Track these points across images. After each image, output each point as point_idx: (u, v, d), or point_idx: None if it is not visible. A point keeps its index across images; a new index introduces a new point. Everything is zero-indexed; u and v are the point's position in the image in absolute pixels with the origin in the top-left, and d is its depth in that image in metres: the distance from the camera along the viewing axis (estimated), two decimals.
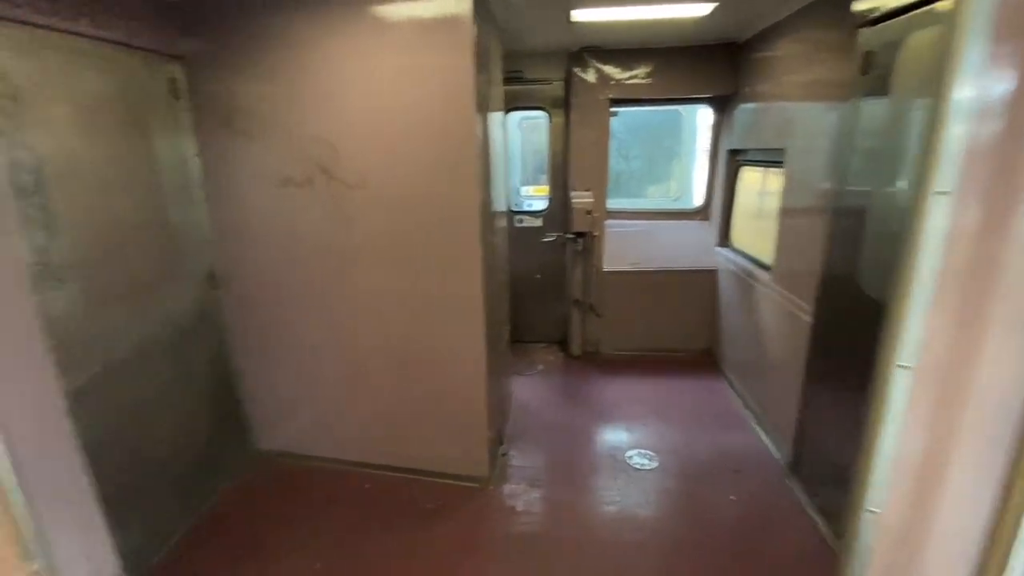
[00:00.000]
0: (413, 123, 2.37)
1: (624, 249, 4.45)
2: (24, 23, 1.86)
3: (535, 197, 5.73)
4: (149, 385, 2.38)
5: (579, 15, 3.03)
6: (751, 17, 3.24)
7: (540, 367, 4.42)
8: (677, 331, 4.49)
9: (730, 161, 4.11)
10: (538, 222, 4.67)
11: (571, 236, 4.24)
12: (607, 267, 4.38)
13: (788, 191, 2.99)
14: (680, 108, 5.21)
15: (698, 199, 4.78)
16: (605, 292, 4.42)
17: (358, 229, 2.57)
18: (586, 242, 4.23)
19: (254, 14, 2.37)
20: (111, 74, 2.21)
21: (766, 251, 3.35)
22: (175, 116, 2.51)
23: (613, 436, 3.38)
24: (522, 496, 2.82)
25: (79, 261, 2.04)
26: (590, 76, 4.02)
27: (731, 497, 2.79)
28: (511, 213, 4.63)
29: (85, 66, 2.11)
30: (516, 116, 5.28)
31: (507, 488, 2.89)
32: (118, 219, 2.23)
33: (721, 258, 4.19)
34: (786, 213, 3.01)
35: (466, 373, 2.69)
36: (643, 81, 4.01)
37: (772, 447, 3.16)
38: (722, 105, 4.20)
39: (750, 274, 3.55)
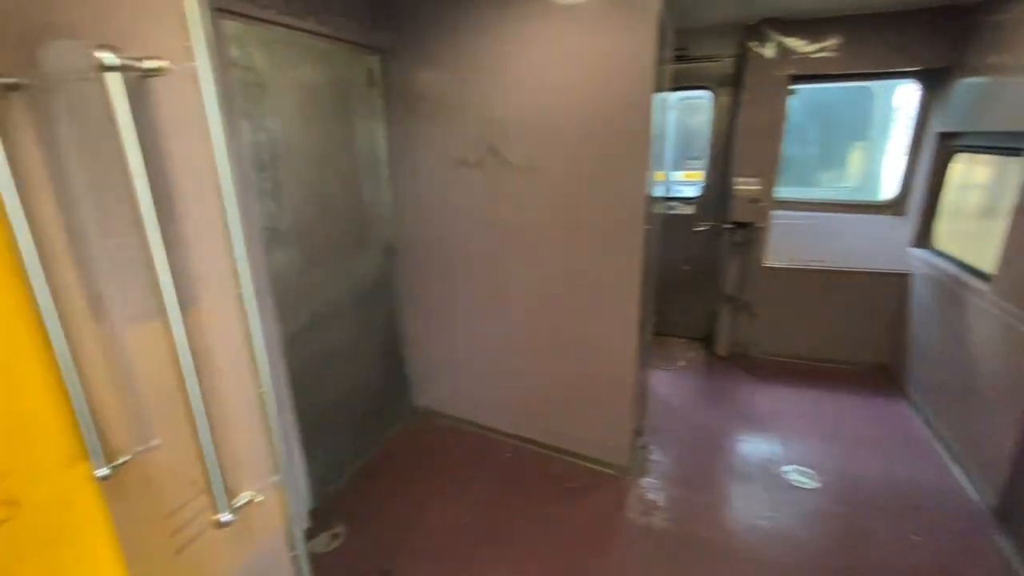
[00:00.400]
0: (586, 106, 2.36)
1: (792, 243, 4.03)
2: (265, 21, 2.20)
3: (685, 183, 5.44)
4: (338, 339, 2.74)
5: None
6: None
7: (681, 363, 4.23)
8: (847, 340, 3.97)
9: (940, 147, 3.47)
10: (690, 209, 4.43)
11: (730, 226, 3.94)
12: (769, 262, 4.00)
13: None
14: (871, 85, 4.52)
15: (887, 190, 4.14)
16: (763, 289, 4.06)
17: (523, 209, 2.65)
18: (747, 233, 3.90)
19: (438, 6, 2.53)
20: (324, 65, 2.52)
21: (984, 256, 2.79)
22: (370, 103, 2.79)
23: (765, 447, 3.12)
24: (663, 492, 2.75)
25: (297, 227, 2.40)
26: (769, 50, 3.64)
27: (913, 536, 2.42)
28: (663, 199, 4.44)
29: (306, 58, 2.43)
30: (672, 97, 5.03)
31: (646, 481, 2.83)
32: (326, 192, 2.57)
33: (918, 261, 3.59)
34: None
35: (616, 359, 2.67)
36: (832, 54, 3.54)
37: (970, 487, 2.67)
38: (933, 80, 3.54)
39: (958, 282, 2.99)
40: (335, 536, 2.45)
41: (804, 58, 3.59)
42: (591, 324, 2.69)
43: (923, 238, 3.65)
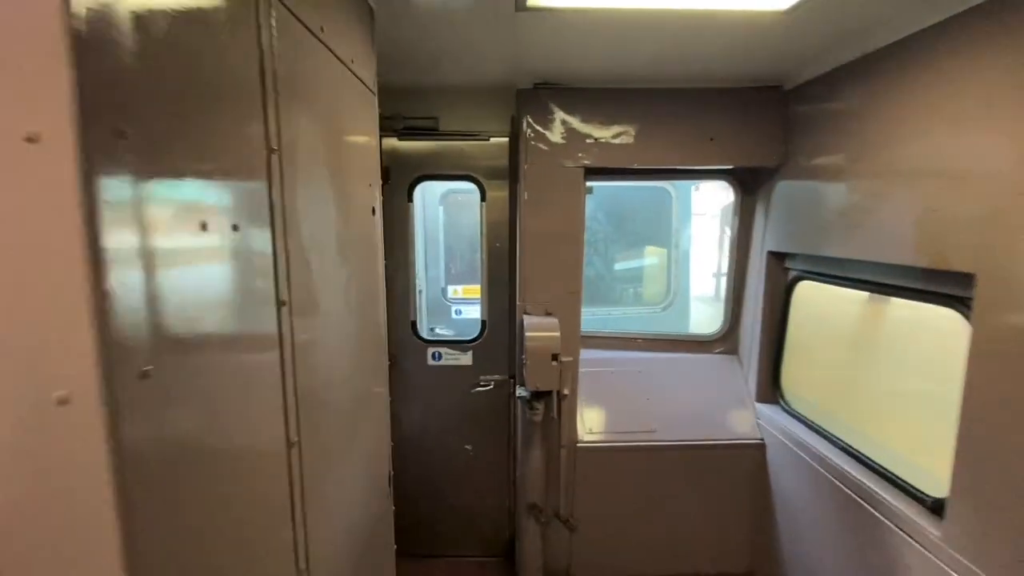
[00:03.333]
0: None
1: (608, 403, 2.72)
2: None
3: (466, 301, 4.05)
4: None
5: None
6: (869, 24, 1.79)
7: None
8: (701, 545, 2.70)
9: (774, 269, 2.57)
10: (466, 358, 2.86)
11: (524, 394, 2.45)
12: (584, 437, 2.60)
13: (993, 357, 1.39)
14: (669, 185, 3.76)
15: (706, 319, 3.23)
16: (581, 483, 2.61)
17: None
18: (549, 404, 2.44)
19: None
20: None
21: (918, 462, 1.73)
22: None
23: None
24: None
25: None
26: (554, 131, 2.43)
27: None
28: (422, 341, 2.82)
29: None
30: (429, 188, 3.69)
31: None
32: None
33: (769, 422, 2.54)
34: (989, 405, 1.39)
35: None
36: (630, 142, 2.47)
37: None
38: (751, 183, 2.73)
39: (868, 497, 1.86)
40: None
41: (600, 144, 2.45)
42: None
43: (770, 389, 2.65)
